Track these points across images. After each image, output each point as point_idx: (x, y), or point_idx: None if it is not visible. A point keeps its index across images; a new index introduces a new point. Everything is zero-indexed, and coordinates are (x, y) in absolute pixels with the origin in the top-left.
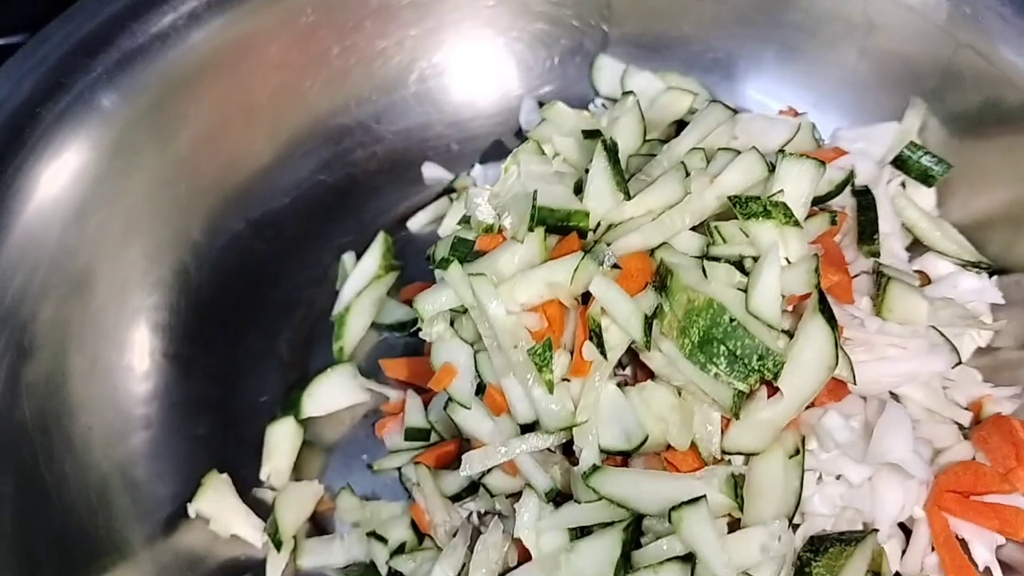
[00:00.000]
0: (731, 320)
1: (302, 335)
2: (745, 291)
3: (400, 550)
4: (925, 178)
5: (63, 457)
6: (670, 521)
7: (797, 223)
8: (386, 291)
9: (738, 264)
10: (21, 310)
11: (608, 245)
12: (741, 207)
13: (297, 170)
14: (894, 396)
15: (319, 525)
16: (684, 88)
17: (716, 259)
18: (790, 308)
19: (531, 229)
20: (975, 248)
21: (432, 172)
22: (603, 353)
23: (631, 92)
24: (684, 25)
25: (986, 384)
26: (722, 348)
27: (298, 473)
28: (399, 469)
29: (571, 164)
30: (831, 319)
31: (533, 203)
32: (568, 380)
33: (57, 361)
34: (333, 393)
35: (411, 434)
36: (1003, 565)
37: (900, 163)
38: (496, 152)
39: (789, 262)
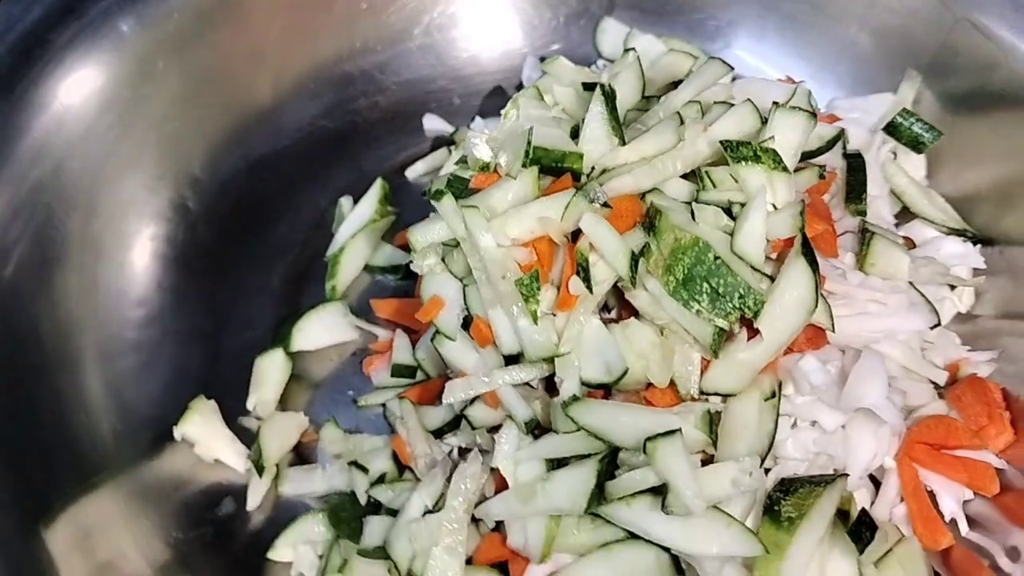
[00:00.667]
0: (715, 258)
1: (296, 273)
2: (731, 234)
3: (380, 480)
4: (916, 144)
5: (56, 374)
6: (645, 452)
7: (785, 169)
8: (381, 235)
9: (726, 210)
10: (25, 225)
11: (600, 184)
12: (732, 151)
13: (300, 114)
14: None
15: (302, 456)
16: (686, 51)
17: (705, 204)
18: (774, 256)
19: (525, 166)
20: (961, 218)
21: (433, 124)
22: (589, 288)
23: (633, 48)
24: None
25: (964, 347)
26: (705, 285)
27: (284, 405)
28: (383, 405)
29: (569, 114)
30: (813, 262)
31: (528, 139)
32: (554, 315)
33: (56, 279)
34: (323, 329)
35: (398, 370)
36: (968, 520)
37: (892, 129)
38: (497, 107)
39: (776, 208)
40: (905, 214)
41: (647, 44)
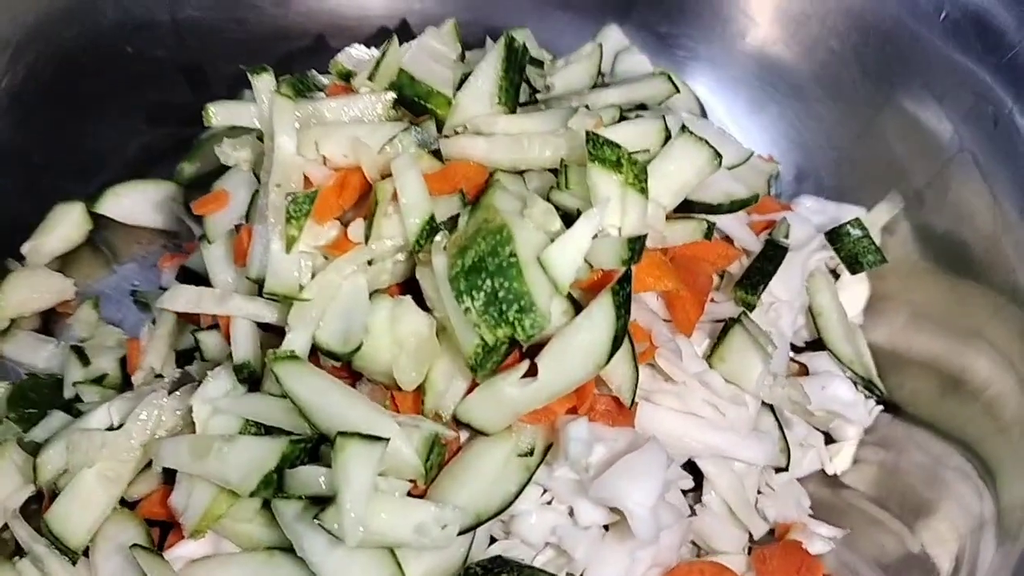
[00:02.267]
0: (511, 255)
1: (162, 146)
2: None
3: (100, 380)
4: (853, 262)
5: None
6: (332, 445)
7: (644, 191)
8: None
9: (570, 221)
10: None
11: (444, 137)
12: (594, 146)
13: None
14: (696, 473)
15: (48, 327)
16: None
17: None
18: (593, 288)
19: (371, 78)
20: (876, 372)
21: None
22: (367, 238)
23: (599, 45)
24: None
25: (808, 512)
26: (488, 282)
27: (63, 267)
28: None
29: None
30: (622, 307)
31: (385, 50)
32: (326, 258)
33: None
34: (142, 204)
35: (184, 274)
36: None
37: (834, 236)
38: None
39: (619, 234)
40: (818, 347)
41: (636, 64)
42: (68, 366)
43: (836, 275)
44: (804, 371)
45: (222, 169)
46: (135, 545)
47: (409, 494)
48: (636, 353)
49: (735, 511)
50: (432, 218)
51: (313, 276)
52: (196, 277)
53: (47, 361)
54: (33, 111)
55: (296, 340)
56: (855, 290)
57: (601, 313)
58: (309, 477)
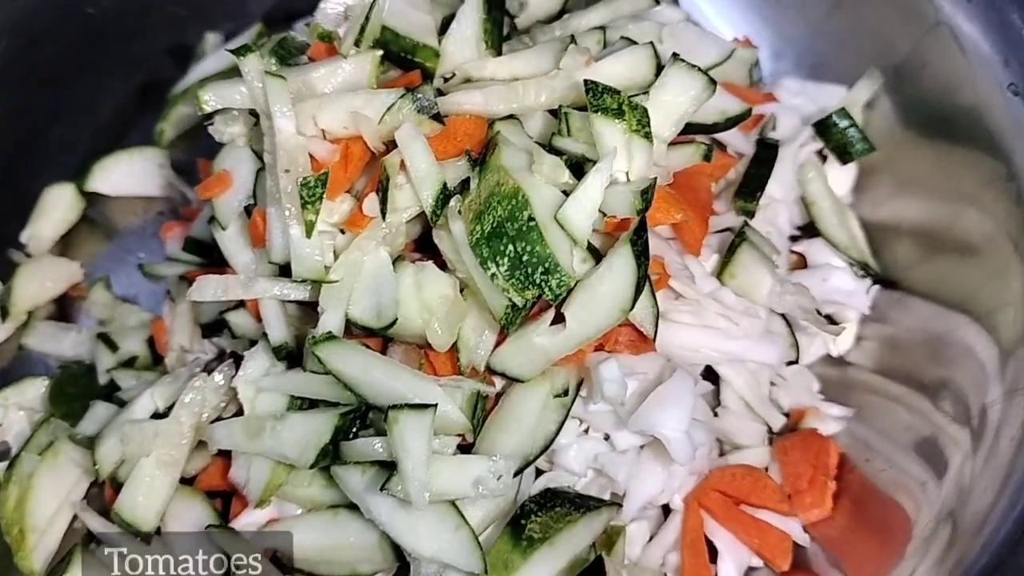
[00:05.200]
0: (530, 219)
1: (132, 104)
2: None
3: (131, 363)
4: (843, 152)
5: None
6: (386, 419)
7: (648, 136)
8: None
9: (576, 165)
10: None
11: (441, 94)
12: (594, 96)
13: None
14: (713, 374)
15: (64, 311)
16: None
17: (556, 152)
18: (610, 232)
19: (358, 44)
20: (870, 250)
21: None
22: (383, 212)
23: None
24: None
25: (819, 396)
26: (510, 247)
27: (65, 249)
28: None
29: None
30: (641, 255)
31: (369, 11)
32: (342, 232)
33: None
34: (131, 174)
35: (190, 245)
36: None
37: (823, 128)
38: None
39: (628, 180)
40: (812, 229)
41: None
42: (98, 355)
43: (823, 157)
44: (802, 261)
45: (202, 127)
46: (210, 526)
47: (459, 446)
48: (653, 286)
49: (753, 407)
50: (445, 186)
51: (335, 254)
52: (202, 247)
53: (73, 349)
54: None
55: (331, 321)
56: (841, 173)
57: (621, 262)
58: (366, 447)
